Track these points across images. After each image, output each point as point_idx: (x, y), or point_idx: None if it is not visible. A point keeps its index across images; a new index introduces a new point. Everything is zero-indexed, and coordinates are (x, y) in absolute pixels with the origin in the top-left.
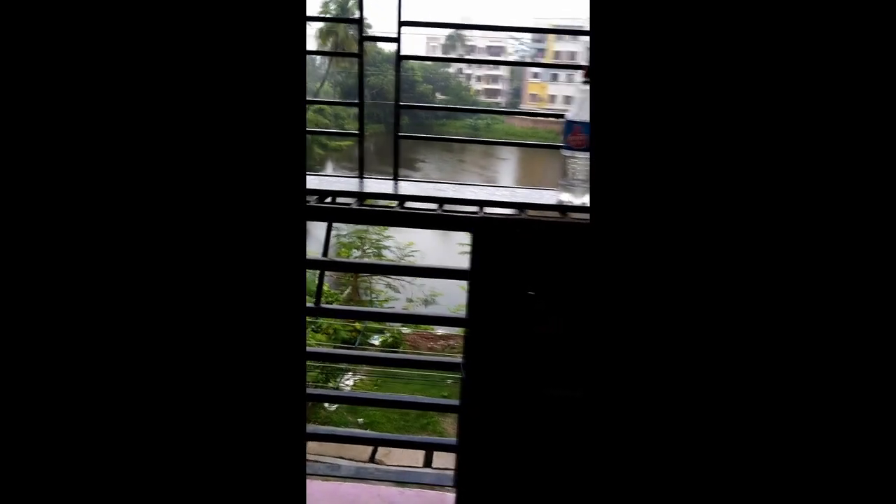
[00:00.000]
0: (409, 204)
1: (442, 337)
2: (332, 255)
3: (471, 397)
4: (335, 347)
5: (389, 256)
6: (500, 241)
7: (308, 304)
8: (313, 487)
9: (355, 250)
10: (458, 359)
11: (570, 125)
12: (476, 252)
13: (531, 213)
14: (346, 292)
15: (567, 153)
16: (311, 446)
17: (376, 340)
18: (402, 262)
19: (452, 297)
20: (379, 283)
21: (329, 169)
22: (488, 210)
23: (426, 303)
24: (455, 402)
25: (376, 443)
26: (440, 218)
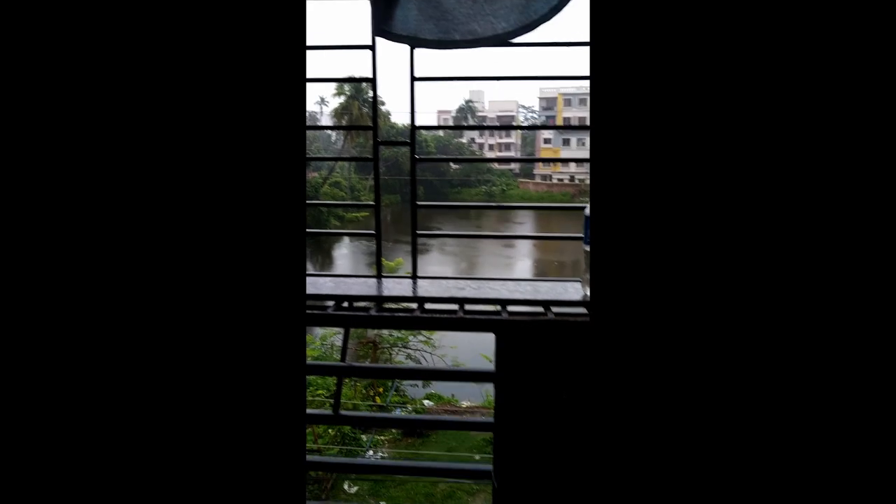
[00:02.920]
0: (429, 305)
1: (467, 410)
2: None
3: None
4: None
5: (409, 336)
6: (526, 342)
7: (326, 412)
8: None
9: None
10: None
11: (589, 221)
12: (501, 354)
13: (556, 310)
14: (366, 361)
15: (588, 248)
16: None
17: (399, 412)
18: (427, 366)
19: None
20: (400, 353)
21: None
22: (512, 308)
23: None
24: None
25: None
26: (462, 321)
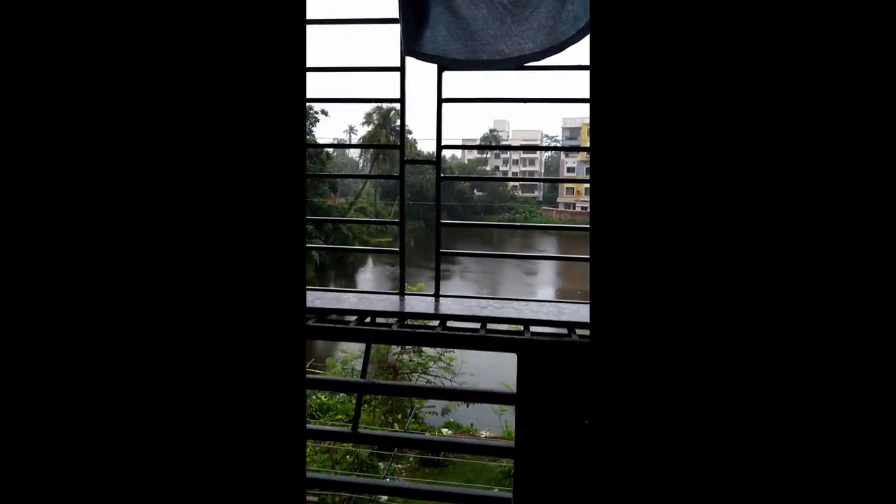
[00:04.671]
0: (451, 322)
1: (486, 439)
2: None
3: None
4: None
5: (429, 352)
6: (549, 364)
7: (345, 429)
8: None
9: (395, 347)
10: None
11: None
12: (523, 375)
13: (580, 332)
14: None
15: None
16: None
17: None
18: (446, 386)
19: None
20: (420, 379)
21: (370, 264)
22: (534, 329)
23: (467, 403)
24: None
25: None
26: (484, 339)
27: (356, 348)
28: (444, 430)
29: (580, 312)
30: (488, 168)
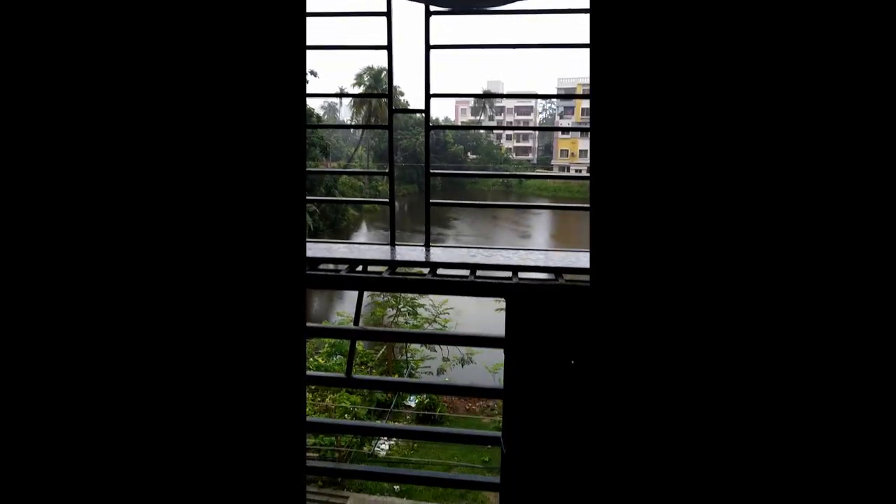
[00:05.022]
0: (441, 271)
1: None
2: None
3: (512, 474)
4: (370, 409)
5: (424, 315)
6: (536, 307)
7: (339, 375)
8: None
9: (390, 309)
10: (497, 433)
11: None
12: (511, 319)
13: (568, 277)
14: (381, 351)
15: None
16: None
17: (413, 401)
18: (437, 331)
19: (491, 355)
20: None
21: (363, 229)
22: (523, 275)
23: (462, 362)
24: (495, 478)
25: None
26: (473, 285)
27: (351, 311)
28: None
29: (567, 259)
30: (482, 131)
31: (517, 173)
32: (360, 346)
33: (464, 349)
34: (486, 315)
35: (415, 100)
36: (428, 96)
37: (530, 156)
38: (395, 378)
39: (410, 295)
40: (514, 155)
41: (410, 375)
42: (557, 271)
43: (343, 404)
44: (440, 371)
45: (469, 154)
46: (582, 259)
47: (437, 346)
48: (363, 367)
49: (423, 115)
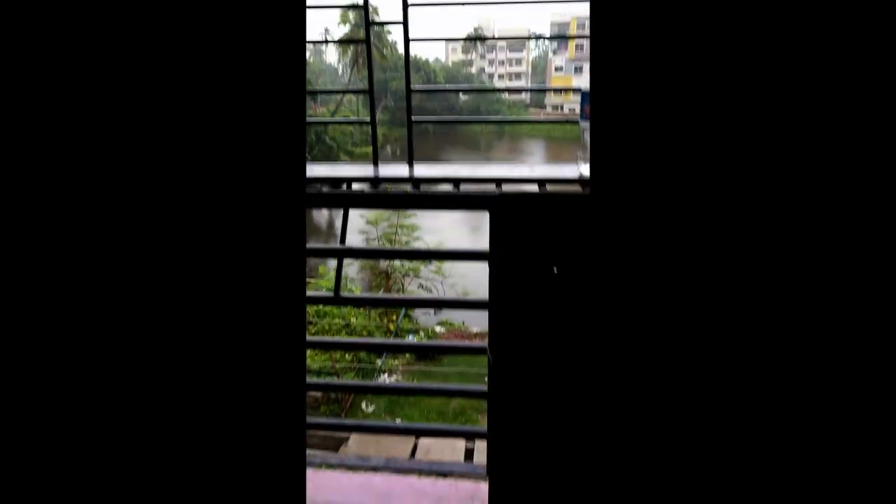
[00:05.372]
0: (424, 187)
1: (477, 335)
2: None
3: (498, 381)
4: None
5: (421, 266)
6: (519, 218)
7: (328, 294)
8: (345, 480)
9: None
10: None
11: (586, 96)
12: (495, 231)
13: (550, 187)
14: (379, 292)
15: (585, 124)
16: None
17: (412, 338)
18: (420, 247)
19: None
20: (411, 284)
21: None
22: (507, 188)
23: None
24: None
25: (394, 432)
26: (456, 198)
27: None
28: (438, 328)
29: (552, 171)
30: (473, 70)
31: (505, 118)
32: (358, 289)
33: (459, 290)
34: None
35: (399, 39)
36: (406, 5)
37: (523, 96)
38: (382, 294)
39: (406, 238)
40: (507, 95)
41: (408, 314)
42: (542, 182)
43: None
44: (437, 312)
45: (461, 95)
46: (566, 171)
47: (433, 288)
48: (362, 309)
49: (402, 26)
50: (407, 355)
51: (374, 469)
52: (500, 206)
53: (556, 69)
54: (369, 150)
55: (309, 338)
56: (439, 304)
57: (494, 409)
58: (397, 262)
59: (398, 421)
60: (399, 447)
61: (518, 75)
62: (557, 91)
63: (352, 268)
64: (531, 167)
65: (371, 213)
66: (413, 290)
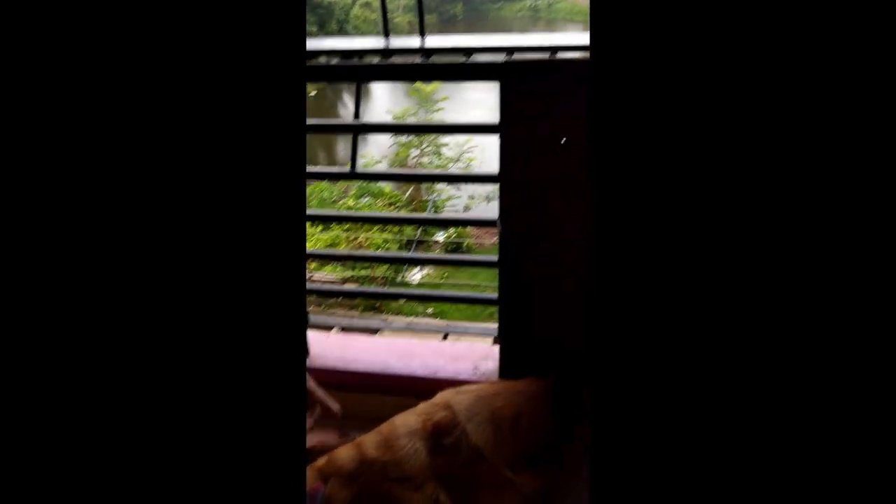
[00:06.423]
0: (436, 58)
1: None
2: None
3: (508, 250)
4: (400, 246)
5: (448, 155)
6: (529, 84)
7: (344, 170)
8: (367, 342)
9: (414, 150)
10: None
11: None
12: (505, 102)
13: (562, 55)
14: (408, 192)
15: None
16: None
17: (441, 236)
18: (430, 122)
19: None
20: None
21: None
22: (518, 57)
23: (488, 199)
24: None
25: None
26: (465, 67)
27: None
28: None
29: (564, 38)
30: None
31: None
32: (387, 188)
33: (489, 187)
34: None
35: None
36: None
37: None
38: (398, 169)
39: (433, 135)
40: None
41: (435, 209)
42: (553, 49)
43: (376, 242)
44: (466, 209)
45: None
46: (578, 38)
47: (461, 185)
48: (391, 206)
49: None
50: (436, 251)
51: (394, 331)
52: (511, 75)
53: None
54: None
55: (342, 251)
56: (457, 179)
57: (504, 276)
58: (425, 160)
59: (430, 311)
60: (430, 336)
61: None
62: None
63: (379, 165)
64: (544, 35)
65: (397, 109)
66: (442, 187)
